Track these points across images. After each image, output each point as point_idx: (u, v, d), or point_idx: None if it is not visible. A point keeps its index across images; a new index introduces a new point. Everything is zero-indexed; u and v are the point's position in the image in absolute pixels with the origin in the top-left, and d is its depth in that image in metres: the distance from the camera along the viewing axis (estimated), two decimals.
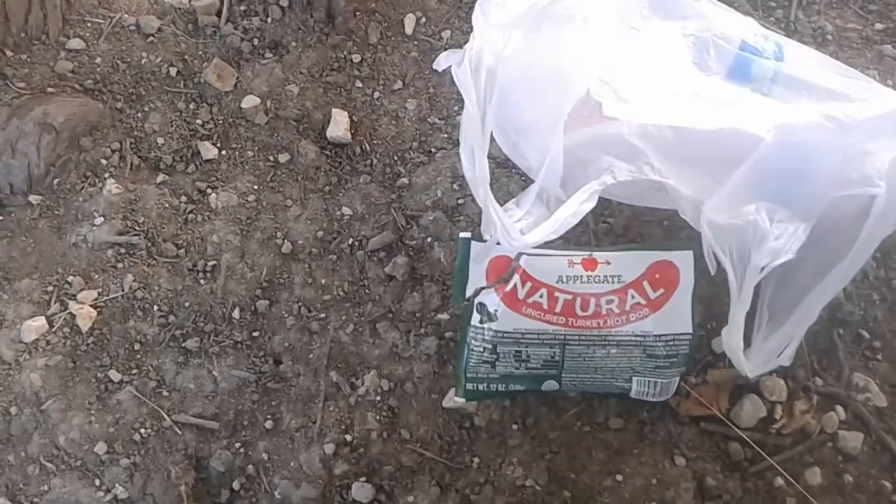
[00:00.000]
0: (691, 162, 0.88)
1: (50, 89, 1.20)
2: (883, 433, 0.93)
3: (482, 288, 0.92)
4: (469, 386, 0.94)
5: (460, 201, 1.09)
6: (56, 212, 1.13)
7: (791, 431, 0.93)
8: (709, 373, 0.96)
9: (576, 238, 1.02)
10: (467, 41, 0.84)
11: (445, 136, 1.16)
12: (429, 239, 1.08)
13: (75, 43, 1.24)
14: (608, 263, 0.91)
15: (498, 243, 0.85)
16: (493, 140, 0.92)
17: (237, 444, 1.00)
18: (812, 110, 0.84)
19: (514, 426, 0.97)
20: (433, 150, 1.15)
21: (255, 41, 1.25)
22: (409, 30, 1.25)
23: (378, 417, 0.99)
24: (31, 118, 1.14)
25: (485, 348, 0.92)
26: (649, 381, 0.92)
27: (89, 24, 1.26)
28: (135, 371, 1.03)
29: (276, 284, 1.08)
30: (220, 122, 1.20)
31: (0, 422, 1.00)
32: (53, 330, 1.05)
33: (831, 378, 0.97)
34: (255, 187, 1.15)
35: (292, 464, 0.98)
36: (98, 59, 1.23)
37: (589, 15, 0.89)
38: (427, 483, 0.96)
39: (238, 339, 1.05)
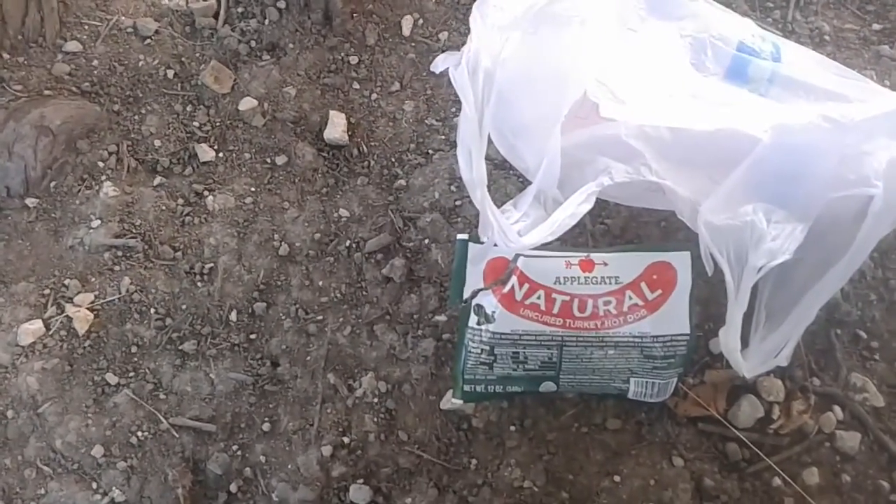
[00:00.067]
0: (688, 163, 0.89)
1: (47, 92, 1.20)
2: (880, 433, 0.93)
3: (480, 289, 0.92)
4: (467, 387, 0.94)
5: (458, 203, 1.09)
6: (53, 215, 1.13)
7: (789, 432, 0.93)
8: (706, 373, 0.96)
9: (573, 239, 1.02)
10: (465, 43, 0.84)
11: (443, 137, 1.16)
12: (426, 241, 1.08)
13: (72, 45, 1.24)
14: (605, 265, 0.91)
15: (495, 245, 0.85)
16: (490, 142, 0.92)
17: (234, 447, 0.99)
18: (809, 111, 0.84)
19: (512, 427, 0.97)
20: (431, 151, 1.15)
21: (253, 43, 1.25)
22: (406, 31, 1.25)
23: (375, 419, 0.99)
24: (27, 121, 1.13)
25: (482, 350, 0.92)
26: (647, 382, 0.92)
27: (86, 27, 1.26)
28: (132, 374, 1.03)
29: (273, 287, 1.08)
30: (218, 124, 1.20)
31: None
32: (50, 333, 1.05)
33: (829, 378, 0.97)
34: (253, 189, 1.15)
35: (290, 466, 0.98)
36: (95, 62, 1.23)
37: (586, 16, 0.89)
38: (425, 485, 0.95)
39: (235, 342, 1.05)
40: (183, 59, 1.24)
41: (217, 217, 1.12)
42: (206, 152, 1.17)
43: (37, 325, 1.04)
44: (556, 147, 0.86)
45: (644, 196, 0.97)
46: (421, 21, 1.26)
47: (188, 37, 1.26)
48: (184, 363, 1.04)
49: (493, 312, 0.91)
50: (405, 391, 1.00)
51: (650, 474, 0.93)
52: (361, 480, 0.96)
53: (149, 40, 1.25)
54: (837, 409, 0.95)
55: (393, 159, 1.16)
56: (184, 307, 1.07)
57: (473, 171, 0.81)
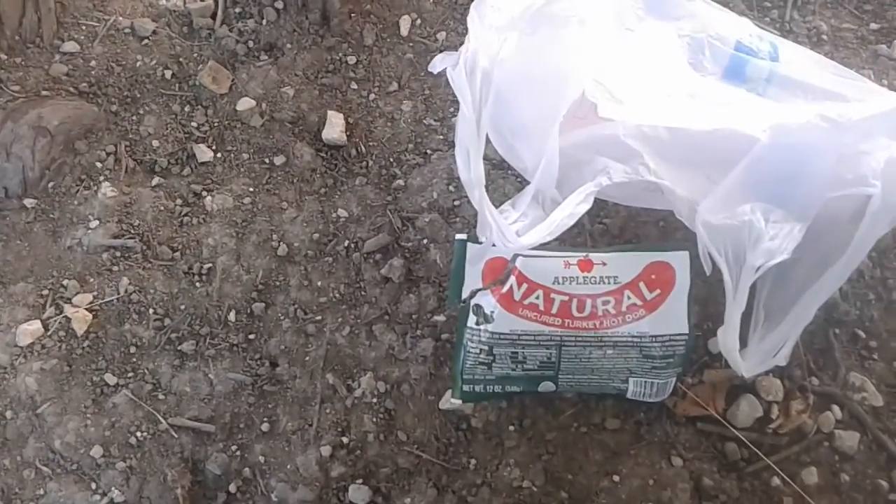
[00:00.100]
0: (687, 163, 0.89)
1: (44, 92, 1.20)
2: (879, 432, 0.93)
3: (478, 289, 0.92)
4: (465, 387, 0.94)
5: (456, 203, 1.09)
6: (51, 215, 1.13)
7: (787, 431, 0.93)
8: (705, 373, 0.96)
9: (572, 239, 1.02)
10: (463, 43, 0.84)
11: (441, 137, 1.16)
12: (425, 241, 1.08)
13: (70, 46, 1.24)
14: (604, 264, 0.91)
15: (494, 245, 0.85)
16: (488, 142, 0.93)
17: (233, 447, 0.99)
18: (807, 110, 0.84)
19: (511, 427, 0.97)
20: (429, 151, 1.15)
21: (250, 43, 1.24)
22: (404, 31, 1.25)
23: (374, 419, 0.99)
24: (25, 121, 1.13)
25: (481, 350, 0.92)
26: (646, 382, 0.92)
27: (84, 27, 1.26)
28: (130, 374, 1.03)
29: (271, 287, 1.08)
30: (216, 124, 1.20)
31: None
32: (49, 333, 1.05)
33: (828, 378, 0.97)
34: (251, 190, 1.15)
35: (289, 466, 0.98)
36: (93, 62, 1.23)
37: (584, 16, 0.89)
38: (424, 485, 0.95)
39: (234, 342, 1.05)
40: (181, 59, 1.24)
41: (215, 217, 1.12)
42: (204, 152, 1.17)
43: (35, 326, 1.04)
44: (554, 147, 0.86)
45: (642, 196, 0.97)
46: (419, 21, 1.26)
47: (186, 37, 1.26)
48: (182, 363, 1.04)
49: (492, 312, 0.91)
50: (404, 391, 1.00)
51: (649, 474, 0.93)
52: (360, 480, 0.96)
53: (146, 41, 1.25)
54: (836, 408, 0.95)
55: (391, 159, 1.16)
56: (182, 307, 1.07)
57: (471, 171, 0.81)
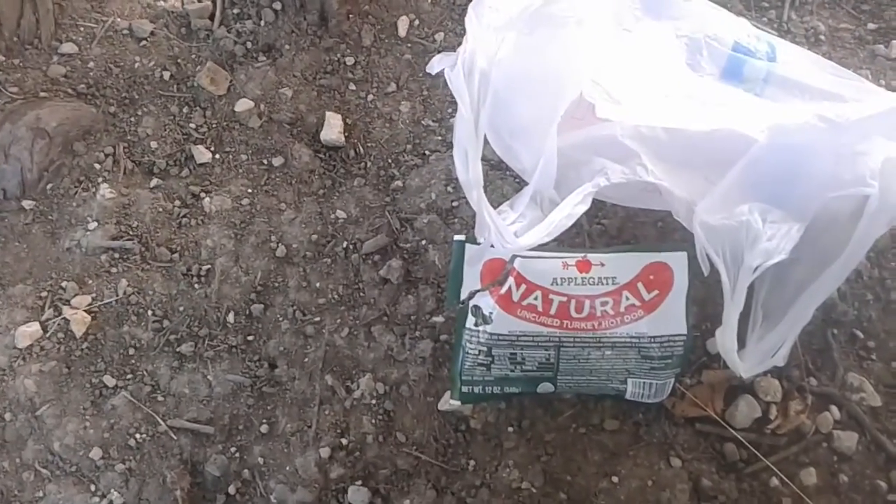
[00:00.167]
0: (684, 163, 0.89)
1: (43, 94, 1.20)
2: (878, 433, 0.93)
3: (477, 290, 0.92)
4: (464, 388, 0.94)
5: (454, 204, 1.09)
6: (49, 217, 1.13)
7: (786, 432, 0.93)
8: (703, 374, 0.96)
9: (570, 240, 1.02)
10: (461, 44, 0.84)
11: (439, 138, 1.16)
12: (423, 242, 1.08)
13: (68, 47, 1.24)
14: (602, 265, 0.91)
15: (492, 246, 0.85)
16: (486, 142, 0.93)
17: (232, 449, 0.99)
18: (805, 111, 0.84)
19: (510, 428, 0.97)
20: (427, 152, 1.15)
21: (249, 44, 1.24)
22: (402, 32, 1.25)
23: (373, 421, 0.99)
24: (23, 123, 1.13)
25: (480, 351, 0.92)
26: (644, 383, 0.92)
27: (82, 29, 1.26)
28: (129, 376, 1.03)
29: (270, 288, 1.08)
30: (214, 125, 1.20)
31: None
32: (47, 335, 1.05)
33: (826, 378, 0.97)
34: (249, 191, 1.15)
35: (288, 468, 0.98)
36: (91, 64, 1.23)
37: (582, 17, 0.89)
38: (423, 486, 0.95)
39: (233, 344, 1.05)
40: (179, 60, 1.24)
41: (214, 219, 1.12)
42: (202, 154, 1.17)
43: (34, 328, 1.04)
44: (552, 148, 0.86)
45: (640, 196, 0.97)
46: (417, 22, 1.26)
47: (184, 38, 1.26)
48: (181, 365, 1.04)
49: (491, 313, 0.91)
50: (403, 392, 1.00)
51: (648, 475, 0.93)
52: (360, 482, 0.96)
53: (144, 42, 1.25)
54: (834, 408, 0.95)
55: (389, 160, 1.16)
56: (181, 309, 1.07)
57: (470, 171, 0.81)
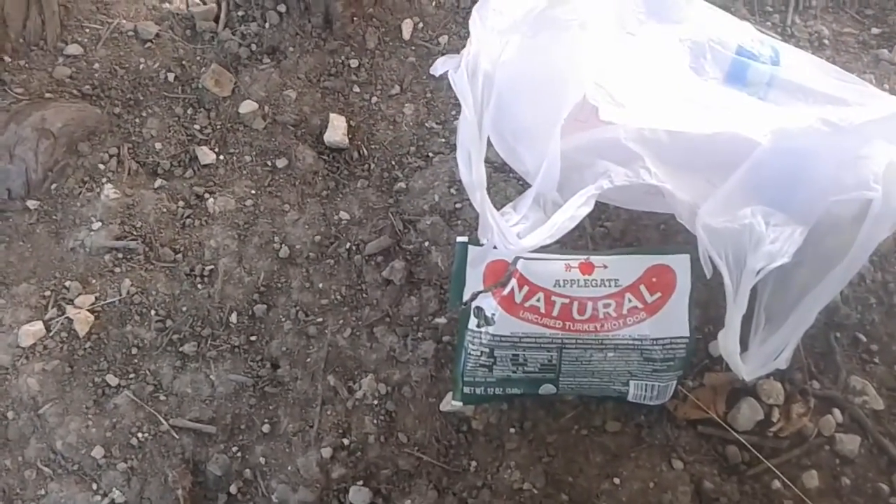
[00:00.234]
0: (688, 166, 0.89)
1: (48, 95, 1.20)
2: (880, 436, 0.93)
3: (479, 292, 0.92)
4: (466, 390, 0.94)
5: (458, 206, 1.10)
6: (54, 217, 1.13)
7: (788, 434, 0.93)
8: (706, 376, 0.96)
9: (573, 242, 1.03)
10: (465, 46, 0.85)
11: (443, 140, 1.16)
12: (426, 243, 1.08)
13: (73, 49, 1.24)
14: (605, 267, 0.91)
15: (495, 247, 0.85)
16: (490, 145, 0.93)
17: (234, 449, 0.99)
18: (808, 115, 0.84)
19: (512, 430, 0.97)
20: (431, 154, 1.16)
21: (253, 47, 1.25)
22: (406, 35, 1.26)
23: (375, 421, 0.99)
24: (28, 123, 1.14)
25: (482, 352, 0.92)
26: (646, 385, 0.92)
27: (87, 30, 1.27)
28: (132, 375, 1.03)
29: (273, 289, 1.08)
30: (218, 127, 1.20)
31: None
32: (51, 334, 1.05)
33: (828, 381, 0.97)
34: (253, 192, 1.15)
35: (289, 468, 0.98)
36: (96, 65, 1.24)
37: (585, 20, 0.89)
38: (424, 487, 0.95)
39: (235, 344, 1.05)
40: (183, 62, 1.25)
41: (217, 219, 1.13)
42: (206, 155, 1.17)
43: (37, 327, 1.05)
44: (555, 150, 0.87)
45: (643, 199, 0.97)
46: (421, 25, 1.26)
47: (189, 40, 1.27)
48: (184, 365, 1.04)
49: (493, 315, 0.91)
50: (405, 393, 1.00)
51: (650, 477, 0.93)
52: (361, 482, 0.96)
53: (149, 44, 1.26)
54: (837, 412, 0.95)
55: (393, 162, 1.16)
56: (184, 309, 1.07)
57: (473, 173, 0.81)
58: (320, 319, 1.06)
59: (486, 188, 0.82)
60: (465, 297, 0.93)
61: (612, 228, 1.05)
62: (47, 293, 1.08)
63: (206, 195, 1.15)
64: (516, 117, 0.94)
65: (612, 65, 0.91)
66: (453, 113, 1.18)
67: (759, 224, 0.82)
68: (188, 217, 1.13)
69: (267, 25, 1.25)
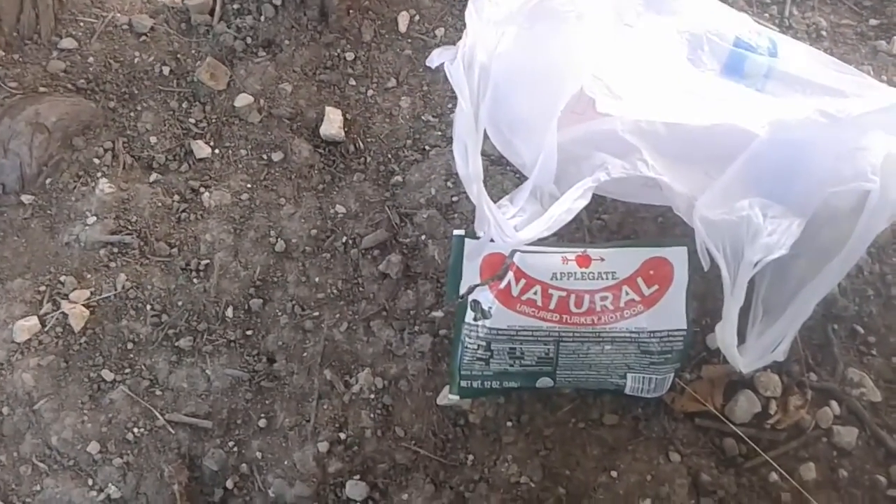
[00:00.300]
0: (685, 158, 0.89)
1: (42, 89, 1.19)
2: (877, 428, 0.93)
3: (476, 285, 0.92)
4: (463, 383, 0.94)
5: (454, 199, 1.09)
6: (48, 211, 1.12)
7: (785, 427, 0.93)
8: (703, 369, 0.96)
9: (570, 235, 1.02)
10: (461, 38, 0.84)
11: (439, 133, 1.16)
12: (423, 237, 1.07)
13: (67, 42, 1.23)
14: (602, 260, 0.91)
15: (492, 240, 0.85)
16: (486, 137, 0.93)
17: (231, 443, 0.99)
18: (806, 106, 0.84)
19: (509, 423, 0.97)
20: (427, 147, 1.15)
21: (249, 40, 1.24)
22: (402, 28, 1.25)
23: (372, 415, 0.99)
24: (23, 118, 1.13)
25: (479, 346, 0.91)
26: (644, 378, 0.92)
27: (82, 24, 1.26)
28: (128, 370, 1.03)
29: (269, 283, 1.08)
30: (214, 120, 1.19)
31: None
32: (46, 329, 1.04)
33: (826, 373, 0.97)
34: (249, 186, 1.14)
35: (286, 462, 0.98)
36: (90, 59, 1.23)
37: (582, 11, 0.89)
38: (421, 480, 0.95)
39: (231, 338, 1.04)
40: (178, 55, 1.24)
41: (213, 213, 1.12)
42: (202, 149, 1.17)
43: (32, 322, 1.04)
44: (552, 142, 0.86)
45: (641, 192, 0.97)
46: (417, 17, 1.26)
47: (184, 33, 1.26)
48: (180, 359, 1.03)
49: (490, 308, 0.91)
50: (402, 387, 1.00)
51: (647, 469, 0.93)
52: (358, 476, 0.96)
53: (144, 37, 1.25)
54: (834, 404, 0.95)
55: (389, 155, 1.16)
56: (180, 304, 1.06)
57: (469, 166, 0.81)
58: (316, 313, 1.05)
59: (482, 181, 0.81)
60: (462, 291, 0.92)
61: (609, 221, 1.05)
62: (42, 288, 1.07)
63: (202, 189, 1.14)
64: (513, 109, 0.94)
65: (609, 56, 0.91)
66: (450, 106, 1.18)
67: (756, 216, 0.81)
68: (183, 211, 1.12)
69: (262, 18, 1.25)
